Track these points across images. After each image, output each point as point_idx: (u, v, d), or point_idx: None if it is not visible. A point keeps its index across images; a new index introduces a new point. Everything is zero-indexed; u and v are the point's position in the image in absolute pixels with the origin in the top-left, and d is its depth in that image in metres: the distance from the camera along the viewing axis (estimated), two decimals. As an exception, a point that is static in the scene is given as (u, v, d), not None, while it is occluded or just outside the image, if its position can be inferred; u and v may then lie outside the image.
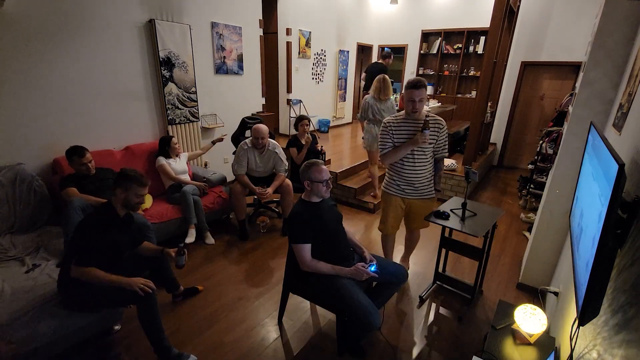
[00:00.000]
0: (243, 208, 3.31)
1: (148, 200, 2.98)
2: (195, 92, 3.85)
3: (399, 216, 2.52)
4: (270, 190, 3.24)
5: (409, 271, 2.93)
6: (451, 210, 2.36)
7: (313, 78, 6.41)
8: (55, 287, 1.86)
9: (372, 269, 1.88)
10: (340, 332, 2.02)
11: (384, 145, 2.34)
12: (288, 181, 3.40)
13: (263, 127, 3.27)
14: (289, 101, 5.92)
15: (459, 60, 6.85)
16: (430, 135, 2.22)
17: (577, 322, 1.06)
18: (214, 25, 3.96)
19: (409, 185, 2.38)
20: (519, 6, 5.15)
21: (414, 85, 2.13)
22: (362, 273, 1.84)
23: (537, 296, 2.57)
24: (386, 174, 2.52)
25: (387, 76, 3.81)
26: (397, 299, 2.56)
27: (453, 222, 2.25)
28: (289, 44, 5.64)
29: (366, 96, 3.90)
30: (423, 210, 2.46)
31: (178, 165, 3.29)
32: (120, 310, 2.01)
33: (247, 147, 3.30)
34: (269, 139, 3.36)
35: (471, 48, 6.69)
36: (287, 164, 3.50)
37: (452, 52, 6.93)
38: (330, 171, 4.24)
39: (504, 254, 3.25)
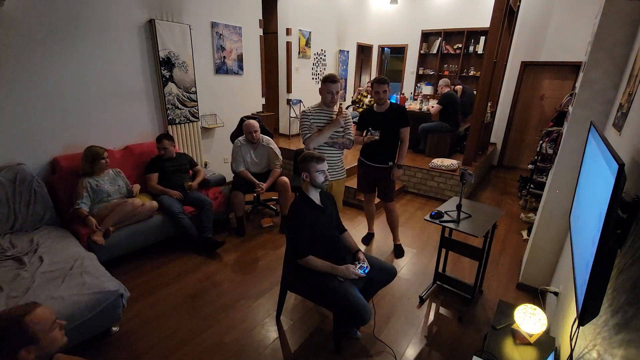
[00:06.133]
0: (242, 205, 3.36)
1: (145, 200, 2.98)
2: (195, 92, 3.85)
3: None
4: (265, 185, 3.35)
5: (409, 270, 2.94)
6: (445, 212, 2.36)
7: (313, 78, 6.40)
8: (50, 288, 1.87)
9: (362, 271, 1.93)
10: (338, 330, 2.05)
11: (308, 130, 2.53)
12: (285, 178, 3.44)
13: (253, 122, 3.37)
14: (289, 101, 5.91)
15: (459, 60, 6.84)
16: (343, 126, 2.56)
17: (577, 322, 1.06)
18: (214, 25, 3.96)
19: (330, 168, 2.45)
20: (519, 6, 5.15)
21: (331, 80, 2.44)
22: (350, 273, 1.90)
23: (537, 296, 2.57)
24: None
25: None
26: (397, 299, 2.57)
27: (452, 223, 2.25)
28: (289, 44, 5.63)
29: None
30: (340, 189, 2.79)
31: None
32: (118, 312, 2.01)
33: (241, 144, 3.41)
34: (262, 135, 3.46)
35: (471, 48, 6.68)
36: (282, 159, 3.56)
37: (452, 52, 6.92)
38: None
39: (504, 254, 3.25)
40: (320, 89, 2.54)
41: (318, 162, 1.93)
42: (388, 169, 2.91)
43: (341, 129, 2.59)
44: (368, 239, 3.41)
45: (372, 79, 2.87)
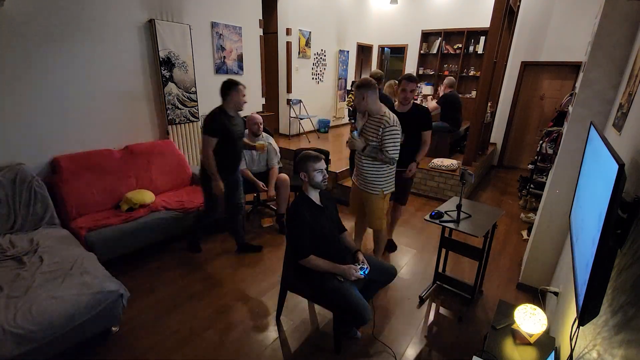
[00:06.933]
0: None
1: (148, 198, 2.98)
2: (195, 92, 3.85)
3: (356, 202, 2.67)
4: (271, 189, 3.34)
5: (409, 270, 2.94)
6: (445, 212, 2.36)
7: (313, 78, 6.41)
8: (50, 288, 1.87)
9: (362, 272, 1.93)
10: (338, 330, 2.05)
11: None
12: (285, 175, 3.46)
13: (256, 114, 3.40)
14: (289, 101, 5.92)
15: (459, 60, 6.83)
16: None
17: (577, 322, 1.06)
18: (214, 25, 3.96)
19: (359, 176, 2.50)
20: (519, 6, 5.14)
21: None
22: (351, 273, 1.90)
23: (537, 296, 2.57)
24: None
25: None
26: (397, 299, 2.56)
27: (452, 223, 2.25)
28: (289, 44, 5.64)
29: None
30: (367, 202, 2.52)
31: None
32: (118, 312, 2.01)
33: None
34: (263, 132, 3.46)
35: (471, 48, 6.68)
36: (280, 157, 3.57)
37: (452, 52, 6.92)
38: (330, 171, 4.24)
39: (504, 254, 3.25)
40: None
41: (315, 161, 1.93)
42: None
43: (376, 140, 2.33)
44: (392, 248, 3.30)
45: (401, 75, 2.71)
